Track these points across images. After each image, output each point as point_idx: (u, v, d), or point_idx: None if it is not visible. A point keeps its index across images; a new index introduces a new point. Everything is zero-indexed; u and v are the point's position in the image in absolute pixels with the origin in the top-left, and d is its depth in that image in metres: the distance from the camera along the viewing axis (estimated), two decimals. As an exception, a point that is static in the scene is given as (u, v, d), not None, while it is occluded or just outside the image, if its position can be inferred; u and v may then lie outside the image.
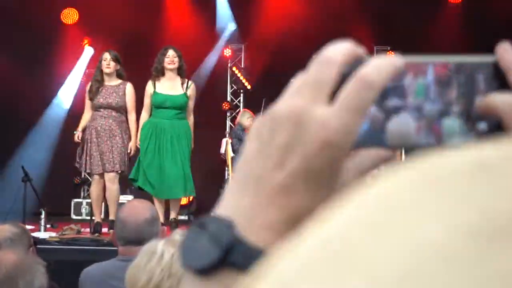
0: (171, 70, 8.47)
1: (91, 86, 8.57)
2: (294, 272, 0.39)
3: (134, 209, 3.94)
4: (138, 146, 8.46)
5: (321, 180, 0.65)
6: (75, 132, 8.62)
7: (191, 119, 8.58)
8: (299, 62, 0.79)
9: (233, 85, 13.06)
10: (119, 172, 8.42)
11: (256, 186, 0.66)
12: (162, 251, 2.22)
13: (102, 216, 9.00)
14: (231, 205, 0.66)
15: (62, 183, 11.34)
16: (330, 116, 0.65)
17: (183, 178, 8.40)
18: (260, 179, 0.65)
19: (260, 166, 0.66)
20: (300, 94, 0.67)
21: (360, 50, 0.69)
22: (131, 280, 2.24)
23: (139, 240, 3.67)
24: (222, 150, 10.87)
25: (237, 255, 0.63)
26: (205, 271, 0.63)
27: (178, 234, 2.34)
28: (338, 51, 0.68)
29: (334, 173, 0.66)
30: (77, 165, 8.67)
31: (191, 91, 8.51)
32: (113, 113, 8.43)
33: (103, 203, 8.97)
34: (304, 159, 0.65)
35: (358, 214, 0.40)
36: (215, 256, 0.63)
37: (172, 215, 8.51)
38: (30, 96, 12.58)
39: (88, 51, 12.80)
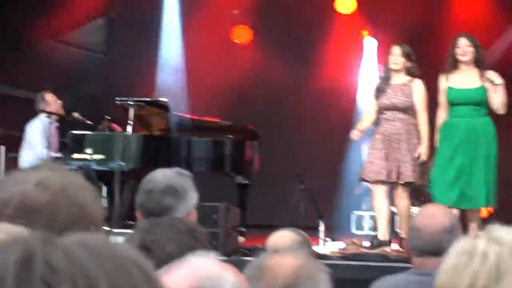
0: (464, 62, 8.05)
1: (377, 84, 8.44)
2: None
3: (431, 216, 3.80)
4: (430, 151, 8.10)
5: None
6: (353, 131, 8.45)
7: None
8: None
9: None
10: (409, 183, 8.11)
11: None
12: (484, 250, 1.98)
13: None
14: None
15: (342, 194, 11.35)
16: None
17: (486, 185, 7.89)
18: None
19: None
20: None
21: None
22: (446, 284, 2.00)
23: (436, 251, 3.52)
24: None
25: None
26: None
27: (499, 230, 2.07)
28: None
29: None
30: (360, 174, 8.45)
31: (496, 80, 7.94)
32: (400, 115, 8.17)
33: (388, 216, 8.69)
34: None
35: None
36: None
37: (473, 228, 8.00)
38: (301, 90, 12.75)
39: (369, 44, 12.77)
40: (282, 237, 4.10)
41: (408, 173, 8.05)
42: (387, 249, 8.04)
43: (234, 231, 8.36)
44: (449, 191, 7.85)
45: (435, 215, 3.79)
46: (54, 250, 0.90)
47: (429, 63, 8.53)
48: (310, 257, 2.70)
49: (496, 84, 7.86)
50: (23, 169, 1.70)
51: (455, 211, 7.66)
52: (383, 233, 8.22)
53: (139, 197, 3.57)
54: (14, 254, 0.89)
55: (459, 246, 2.03)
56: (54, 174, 1.59)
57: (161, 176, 3.58)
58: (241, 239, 8.90)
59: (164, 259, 2.44)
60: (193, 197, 3.57)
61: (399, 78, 8.26)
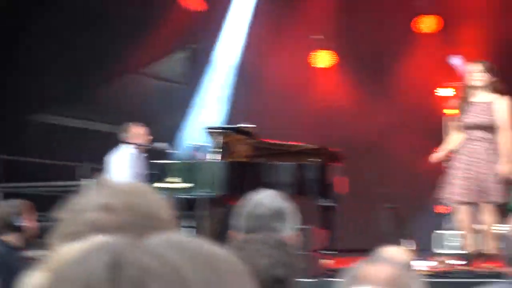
0: None
1: (459, 103, 8.30)
2: None
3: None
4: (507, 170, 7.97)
5: None
6: (432, 155, 8.36)
7: None
8: None
9: None
10: (493, 203, 8.01)
11: None
12: None
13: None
14: None
15: (422, 213, 11.31)
16: None
17: None
18: None
19: None
20: None
21: None
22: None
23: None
24: None
25: None
26: None
27: None
28: None
29: None
30: (441, 195, 8.35)
31: None
32: (482, 134, 8.04)
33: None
34: None
35: None
36: None
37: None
38: (383, 111, 12.75)
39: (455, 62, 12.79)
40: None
41: (491, 193, 7.95)
42: (477, 262, 7.98)
43: (319, 253, 8.41)
44: None
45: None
46: (143, 251, 0.89)
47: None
48: (405, 267, 2.73)
49: None
50: (85, 194, 1.56)
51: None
52: (470, 246, 8.18)
53: (244, 221, 3.57)
54: (103, 258, 0.88)
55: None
56: (117, 194, 1.55)
57: (267, 199, 3.62)
58: (327, 261, 8.93)
59: (257, 274, 2.47)
60: (296, 219, 3.64)
61: (482, 96, 8.11)
